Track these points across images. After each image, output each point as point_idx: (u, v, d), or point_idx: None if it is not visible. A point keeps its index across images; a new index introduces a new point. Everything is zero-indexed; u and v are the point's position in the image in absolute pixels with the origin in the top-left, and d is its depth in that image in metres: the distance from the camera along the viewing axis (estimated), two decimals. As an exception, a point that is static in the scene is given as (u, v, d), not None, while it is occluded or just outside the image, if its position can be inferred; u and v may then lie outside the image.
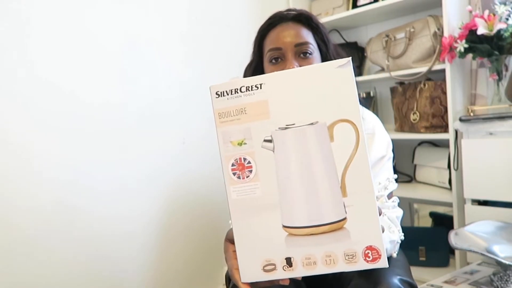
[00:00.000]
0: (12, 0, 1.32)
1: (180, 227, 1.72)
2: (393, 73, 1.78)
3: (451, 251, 1.69)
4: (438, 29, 1.63)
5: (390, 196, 0.94)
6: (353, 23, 2.10)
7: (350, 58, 0.52)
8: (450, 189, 1.64)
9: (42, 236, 1.37)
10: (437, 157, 1.78)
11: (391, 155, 0.99)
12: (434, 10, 1.76)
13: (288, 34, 0.96)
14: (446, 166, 1.70)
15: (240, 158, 0.53)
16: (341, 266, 0.50)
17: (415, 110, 1.71)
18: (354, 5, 1.94)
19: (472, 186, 1.46)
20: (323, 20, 2.02)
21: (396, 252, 0.90)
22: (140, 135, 1.61)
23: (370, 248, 0.49)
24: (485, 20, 1.41)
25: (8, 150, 1.31)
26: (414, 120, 1.71)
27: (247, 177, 0.52)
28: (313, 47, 0.96)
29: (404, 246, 1.85)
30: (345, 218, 0.50)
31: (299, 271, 0.52)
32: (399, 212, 0.93)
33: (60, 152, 1.41)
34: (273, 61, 0.97)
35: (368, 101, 2.03)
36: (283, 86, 0.48)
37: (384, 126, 1.02)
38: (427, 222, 1.97)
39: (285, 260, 0.53)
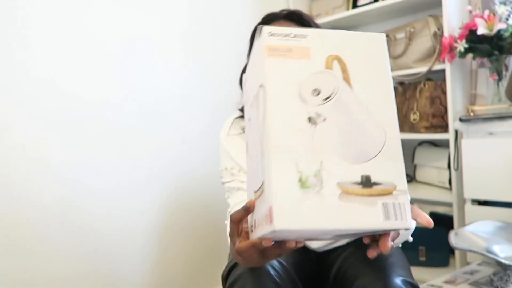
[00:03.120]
0: (13, 0, 1.32)
1: (179, 226, 1.72)
2: (393, 73, 1.78)
3: (451, 251, 1.69)
4: (438, 29, 1.63)
5: None
6: (353, 23, 2.10)
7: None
8: (450, 189, 1.64)
9: (42, 235, 1.37)
10: (437, 157, 1.78)
11: None
12: (434, 10, 1.76)
13: None
14: (446, 166, 1.70)
15: None
16: (264, 229, 0.49)
17: (415, 110, 1.71)
18: (354, 5, 1.94)
19: (472, 186, 1.46)
20: (323, 20, 2.02)
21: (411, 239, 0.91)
22: (140, 134, 1.61)
23: (269, 208, 0.47)
24: (485, 20, 1.41)
25: (9, 149, 1.31)
26: (414, 120, 1.71)
27: None
28: None
29: (404, 246, 1.85)
30: (263, 181, 0.52)
31: (254, 234, 0.54)
32: None
33: (60, 151, 1.41)
34: None
35: (368, 101, 2.02)
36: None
37: None
38: (427, 222, 1.97)
39: (254, 222, 0.55)
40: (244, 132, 1.01)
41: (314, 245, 1.02)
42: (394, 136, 0.52)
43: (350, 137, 0.51)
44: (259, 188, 0.51)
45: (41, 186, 1.38)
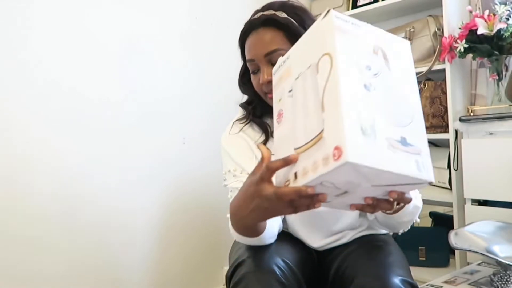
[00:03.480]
0: (14, 0, 1.32)
1: (179, 226, 1.72)
2: (393, 73, 1.78)
3: (451, 251, 1.69)
4: (438, 29, 1.63)
5: None
6: (353, 23, 2.10)
7: (328, 9, 0.68)
8: (450, 189, 1.64)
9: (42, 234, 1.37)
10: (437, 157, 1.78)
11: None
12: (434, 10, 1.76)
13: (257, 44, 0.96)
14: (446, 166, 1.70)
15: None
16: (321, 170, 0.58)
17: (415, 110, 1.70)
18: (354, 5, 1.94)
19: (472, 186, 1.46)
20: (323, 20, 2.01)
21: (418, 217, 0.94)
22: (140, 134, 1.61)
23: (336, 148, 0.56)
24: (485, 20, 1.41)
25: (9, 149, 1.31)
26: (414, 120, 1.71)
27: None
28: (284, 51, 0.92)
29: (404, 246, 1.84)
30: (323, 129, 0.60)
31: (299, 182, 0.62)
32: None
33: (59, 151, 1.41)
34: (253, 72, 0.99)
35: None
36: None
37: None
38: (427, 222, 1.97)
39: (294, 175, 0.64)
40: (241, 131, 1.04)
41: (315, 244, 1.02)
42: (419, 112, 0.67)
43: (391, 106, 0.63)
44: (311, 140, 0.62)
45: (41, 185, 1.38)
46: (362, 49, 0.65)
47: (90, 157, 1.48)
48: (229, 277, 0.87)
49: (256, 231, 0.83)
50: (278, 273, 0.82)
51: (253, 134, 1.04)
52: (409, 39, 1.72)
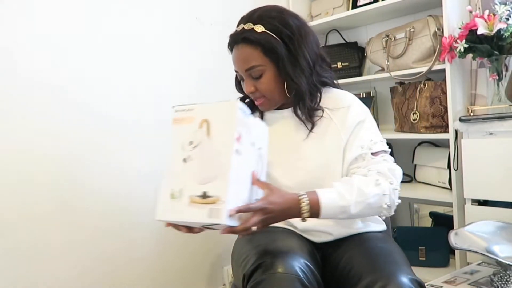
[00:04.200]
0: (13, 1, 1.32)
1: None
2: (393, 73, 1.78)
3: (451, 251, 1.69)
4: (438, 29, 1.63)
5: (376, 154, 1.00)
6: (353, 23, 2.10)
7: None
8: (450, 189, 1.64)
9: (41, 235, 1.37)
10: (437, 157, 1.78)
11: (372, 122, 1.07)
12: (434, 10, 1.76)
13: (238, 60, 1.04)
14: (446, 166, 1.70)
15: None
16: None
17: (415, 110, 1.71)
18: (354, 5, 1.94)
19: (472, 186, 1.46)
20: (323, 20, 2.02)
21: (388, 204, 0.94)
22: (140, 134, 1.61)
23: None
24: (485, 20, 1.41)
25: (11, 148, 1.31)
26: (414, 120, 1.71)
27: None
28: (261, 67, 1.02)
29: (404, 246, 1.85)
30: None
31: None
32: (392, 165, 0.99)
33: (59, 151, 1.41)
34: (241, 79, 1.09)
35: (368, 101, 2.03)
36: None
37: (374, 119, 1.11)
38: (427, 222, 1.97)
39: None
40: None
41: (316, 238, 1.04)
42: (227, 167, 0.80)
43: (202, 169, 0.83)
44: None
45: (41, 185, 1.38)
46: (189, 129, 0.86)
47: (88, 157, 1.48)
48: (248, 276, 0.87)
49: None
50: (301, 276, 0.83)
51: None
52: (409, 39, 1.72)
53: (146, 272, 1.62)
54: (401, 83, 1.84)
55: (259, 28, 1.00)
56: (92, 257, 1.48)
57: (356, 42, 2.12)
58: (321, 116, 1.05)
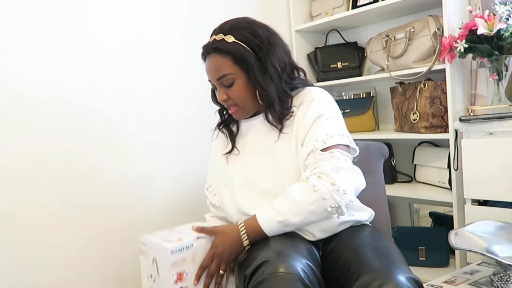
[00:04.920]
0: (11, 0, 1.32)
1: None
2: (393, 73, 1.78)
3: (451, 251, 1.69)
4: (438, 29, 1.63)
5: (326, 149, 1.01)
6: (353, 23, 2.10)
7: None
8: (450, 189, 1.64)
9: (41, 235, 1.37)
10: (437, 157, 1.78)
11: (335, 115, 1.08)
12: (434, 10, 1.76)
13: (210, 69, 1.08)
14: (446, 166, 1.70)
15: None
16: None
17: (415, 110, 1.71)
18: (354, 5, 1.94)
19: (472, 186, 1.46)
20: (323, 20, 2.02)
21: (333, 205, 0.95)
22: (140, 135, 1.61)
23: None
24: (485, 20, 1.41)
25: (11, 148, 1.31)
26: (414, 120, 1.71)
27: None
28: (232, 75, 1.06)
29: (404, 246, 1.85)
30: None
31: None
32: (339, 163, 0.99)
33: (59, 151, 1.41)
34: (214, 88, 1.14)
35: (368, 101, 2.03)
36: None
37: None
38: (427, 222, 1.97)
39: None
40: (218, 136, 1.22)
41: (310, 237, 1.03)
42: None
43: None
44: None
45: (42, 185, 1.38)
46: (147, 262, 0.95)
47: (88, 157, 1.48)
48: (249, 276, 0.87)
49: None
50: (303, 275, 0.83)
51: (223, 142, 1.19)
52: (409, 39, 1.72)
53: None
54: (401, 83, 1.84)
55: (230, 39, 1.05)
56: (91, 258, 1.48)
57: (356, 42, 2.12)
58: (291, 116, 1.08)
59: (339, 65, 2.06)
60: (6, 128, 1.31)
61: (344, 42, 2.14)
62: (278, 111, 1.07)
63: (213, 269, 0.95)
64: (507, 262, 1.10)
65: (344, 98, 2.05)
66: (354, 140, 1.09)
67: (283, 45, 1.11)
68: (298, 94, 1.12)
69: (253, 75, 1.05)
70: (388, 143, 1.69)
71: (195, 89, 1.77)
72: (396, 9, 1.85)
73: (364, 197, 1.13)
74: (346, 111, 2.00)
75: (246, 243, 0.97)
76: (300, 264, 0.85)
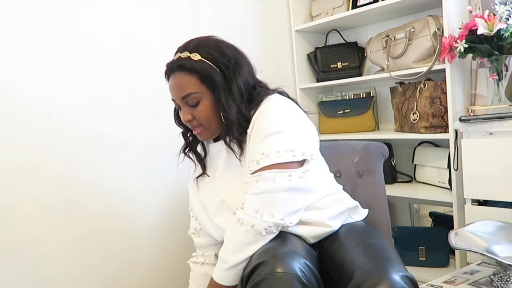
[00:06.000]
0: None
1: (179, 226, 1.71)
2: (393, 73, 1.78)
3: (451, 251, 1.69)
4: (438, 29, 1.63)
5: (256, 172, 0.96)
6: (353, 23, 2.10)
7: None
8: (450, 189, 1.64)
9: (43, 234, 1.37)
10: (437, 157, 1.78)
11: (283, 128, 0.98)
12: (434, 10, 1.76)
13: (175, 88, 1.05)
14: (446, 166, 1.70)
15: None
16: None
17: (415, 110, 1.71)
18: (354, 5, 1.94)
19: (472, 186, 1.46)
20: (323, 20, 2.02)
21: (267, 226, 0.92)
22: (141, 133, 1.61)
23: None
24: (485, 20, 1.41)
25: (11, 149, 1.31)
26: (414, 120, 1.71)
27: None
28: (198, 94, 1.02)
29: (404, 246, 1.85)
30: None
31: None
32: (260, 187, 0.94)
33: (59, 151, 1.41)
34: (178, 108, 1.09)
35: (368, 101, 2.03)
36: None
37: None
38: (427, 222, 1.97)
39: None
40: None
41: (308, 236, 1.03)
42: None
43: None
44: None
45: (42, 185, 1.38)
46: None
47: (88, 157, 1.48)
48: (247, 277, 0.87)
49: None
50: (301, 275, 0.83)
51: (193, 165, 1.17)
52: (409, 39, 1.72)
53: (146, 272, 1.62)
54: (401, 83, 1.84)
55: (196, 56, 1.03)
56: (92, 257, 1.48)
57: (356, 42, 2.12)
58: (245, 137, 1.04)
59: (339, 65, 2.06)
60: (7, 129, 1.31)
61: (344, 42, 2.14)
62: (236, 137, 1.02)
63: None
64: (507, 262, 1.10)
65: (344, 98, 2.06)
66: (354, 140, 1.08)
67: (249, 65, 1.08)
68: (256, 111, 1.05)
69: (218, 95, 1.02)
70: (388, 143, 1.69)
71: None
72: (396, 9, 1.85)
73: (364, 197, 1.13)
74: (346, 111, 2.00)
75: None
76: (298, 264, 0.85)
